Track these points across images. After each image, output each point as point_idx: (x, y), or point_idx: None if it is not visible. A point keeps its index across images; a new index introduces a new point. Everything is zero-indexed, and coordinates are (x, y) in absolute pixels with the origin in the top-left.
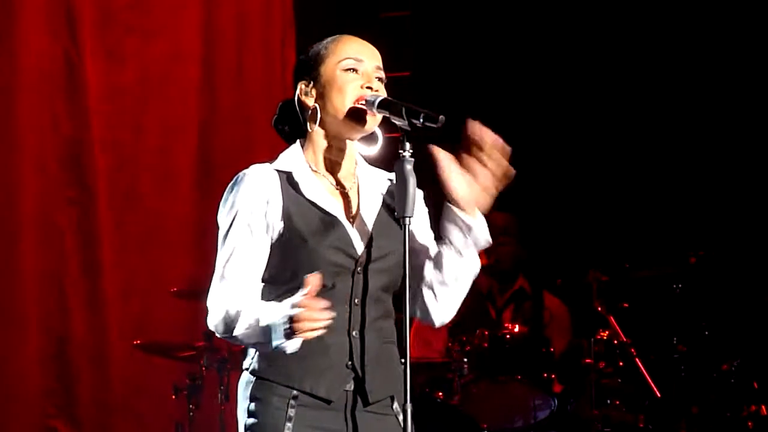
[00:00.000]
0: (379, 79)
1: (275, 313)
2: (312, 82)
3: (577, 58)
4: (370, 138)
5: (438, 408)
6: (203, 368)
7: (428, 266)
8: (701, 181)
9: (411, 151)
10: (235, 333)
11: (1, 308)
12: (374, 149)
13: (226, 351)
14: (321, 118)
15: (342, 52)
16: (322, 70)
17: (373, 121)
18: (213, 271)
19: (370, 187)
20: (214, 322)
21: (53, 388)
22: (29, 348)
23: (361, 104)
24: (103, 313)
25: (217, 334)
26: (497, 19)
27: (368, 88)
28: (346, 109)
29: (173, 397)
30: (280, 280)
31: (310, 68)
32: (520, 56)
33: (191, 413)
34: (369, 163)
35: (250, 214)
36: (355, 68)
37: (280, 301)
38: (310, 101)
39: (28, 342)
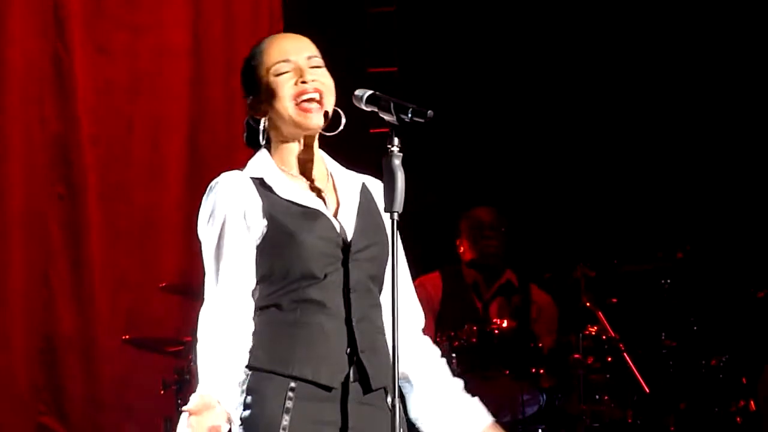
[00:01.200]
0: (316, 66)
1: (203, 385)
2: (254, 96)
3: (564, 52)
4: (333, 120)
5: None
6: (191, 363)
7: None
8: (689, 176)
9: (399, 146)
10: (198, 352)
11: None
12: (337, 130)
13: None
14: (275, 125)
15: (269, 59)
16: (258, 82)
17: (318, 116)
18: (204, 279)
19: (346, 183)
20: (200, 333)
21: (42, 385)
22: (17, 344)
23: (302, 99)
24: (91, 309)
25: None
26: (483, 14)
27: (302, 82)
28: (289, 112)
29: (162, 392)
30: (272, 278)
31: (249, 83)
32: (507, 50)
33: (180, 408)
34: (354, 159)
35: (230, 220)
36: (285, 70)
37: (277, 299)
38: (260, 114)
39: (15, 338)
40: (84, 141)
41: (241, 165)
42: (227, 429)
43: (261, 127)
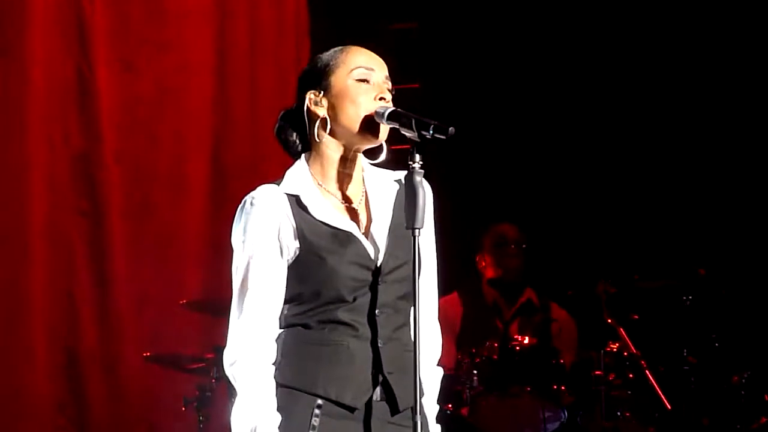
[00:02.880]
0: (390, 90)
1: None
2: (322, 92)
3: (585, 70)
4: (376, 149)
5: (447, 420)
6: (213, 380)
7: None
8: (711, 192)
9: (421, 162)
10: (237, 397)
11: (11, 320)
12: (378, 159)
13: None
14: (331, 128)
15: (353, 62)
16: (332, 80)
17: (384, 132)
18: (231, 299)
19: (380, 197)
20: (228, 361)
21: (64, 400)
22: (39, 360)
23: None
24: (114, 325)
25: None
26: (505, 30)
27: (381, 98)
28: (359, 120)
29: (183, 408)
30: (301, 299)
31: (319, 78)
32: (529, 67)
33: (201, 425)
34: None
35: (263, 240)
36: (367, 78)
37: (305, 321)
38: (321, 111)
39: (38, 354)
40: (108, 157)
41: (264, 181)
42: None
43: (322, 119)
